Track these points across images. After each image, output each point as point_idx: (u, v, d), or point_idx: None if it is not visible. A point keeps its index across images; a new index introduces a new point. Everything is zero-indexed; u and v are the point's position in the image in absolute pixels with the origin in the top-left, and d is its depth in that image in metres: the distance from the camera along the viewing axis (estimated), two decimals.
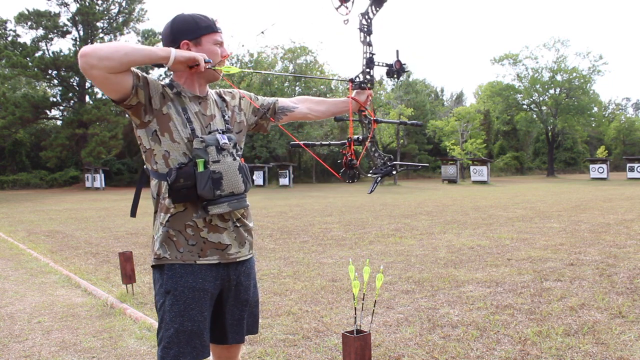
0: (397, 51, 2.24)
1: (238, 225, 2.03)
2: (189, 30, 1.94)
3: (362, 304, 2.74)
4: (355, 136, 2.19)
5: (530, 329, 3.81)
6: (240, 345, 2.16)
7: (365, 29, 2.16)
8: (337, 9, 2.13)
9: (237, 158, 1.95)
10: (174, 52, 1.81)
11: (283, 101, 2.28)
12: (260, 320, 4.04)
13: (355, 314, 2.70)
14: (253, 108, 2.19)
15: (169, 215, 1.92)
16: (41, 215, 15.00)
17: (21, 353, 3.66)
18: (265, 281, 5.58)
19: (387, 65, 2.24)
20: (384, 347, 3.53)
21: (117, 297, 5.00)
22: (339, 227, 10.50)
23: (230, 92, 2.16)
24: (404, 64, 2.24)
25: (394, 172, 2.26)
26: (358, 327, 2.56)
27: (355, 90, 2.26)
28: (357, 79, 2.23)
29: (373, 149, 2.23)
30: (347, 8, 2.12)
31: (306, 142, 2.35)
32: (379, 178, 2.25)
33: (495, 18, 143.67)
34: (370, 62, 2.19)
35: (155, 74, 46.21)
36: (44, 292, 5.45)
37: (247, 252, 2.08)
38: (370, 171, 2.26)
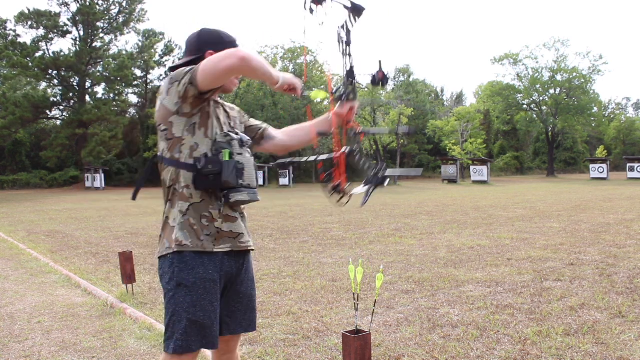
0: (380, 62, 2.20)
1: (243, 216, 2.16)
2: (215, 42, 2.08)
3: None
4: (343, 148, 2.06)
5: (530, 328, 3.81)
6: (237, 337, 2.20)
7: (344, 40, 2.11)
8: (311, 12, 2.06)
9: (252, 156, 2.09)
10: (281, 74, 2.00)
11: (271, 129, 2.37)
12: (259, 320, 4.06)
13: (356, 313, 2.70)
14: (243, 126, 2.30)
15: (188, 204, 1.99)
16: (41, 215, 15.00)
17: (21, 353, 3.66)
18: (265, 281, 5.58)
19: (370, 75, 2.20)
20: (384, 347, 3.53)
21: (117, 297, 5.01)
22: (339, 227, 10.50)
23: (230, 105, 2.28)
24: (387, 74, 2.20)
25: (386, 183, 2.19)
26: (358, 327, 2.56)
27: (337, 104, 2.19)
28: (338, 92, 2.16)
29: (362, 161, 2.17)
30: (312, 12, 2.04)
31: (292, 159, 2.31)
32: (372, 190, 2.15)
33: (495, 18, 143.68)
34: (350, 74, 2.16)
35: (155, 73, 46.12)
36: (44, 292, 5.45)
37: (252, 241, 2.20)
38: (362, 185, 2.14)
